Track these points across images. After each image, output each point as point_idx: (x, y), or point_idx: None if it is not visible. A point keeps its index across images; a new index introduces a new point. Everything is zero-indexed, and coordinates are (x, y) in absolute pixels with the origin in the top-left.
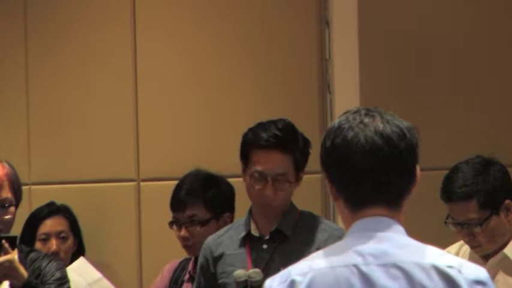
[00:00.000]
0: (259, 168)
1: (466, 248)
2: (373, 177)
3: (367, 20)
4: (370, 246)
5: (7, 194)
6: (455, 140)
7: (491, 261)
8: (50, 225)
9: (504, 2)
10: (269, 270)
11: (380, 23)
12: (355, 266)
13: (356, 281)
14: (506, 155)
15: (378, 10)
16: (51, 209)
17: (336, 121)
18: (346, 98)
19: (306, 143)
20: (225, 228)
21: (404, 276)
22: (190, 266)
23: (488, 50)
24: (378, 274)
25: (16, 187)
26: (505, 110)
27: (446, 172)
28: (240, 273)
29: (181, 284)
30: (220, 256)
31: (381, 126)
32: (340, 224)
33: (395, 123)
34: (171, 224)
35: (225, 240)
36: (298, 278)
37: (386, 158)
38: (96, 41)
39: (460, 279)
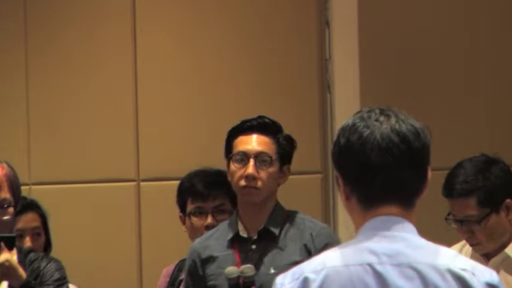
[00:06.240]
0: (241, 149)
1: (468, 248)
2: (387, 175)
3: (367, 20)
4: (384, 246)
5: (6, 194)
6: (456, 140)
7: (493, 260)
8: (24, 221)
9: (505, 2)
10: (259, 270)
11: (380, 23)
12: (370, 265)
13: (371, 280)
14: (509, 155)
15: (378, 10)
16: (24, 204)
17: (350, 120)
18: (346, 98)
19: (290, 138)
20: (211, 231)
21: (419, 277)
22: None
23: (490, 49)
24: (392, 274)
25: (15, 188)
26: (507, 110)
27: (446, 172)
28: (231, 269)
29: (179, 285)
30: (209, 258)
31: (396, 124)
32: (342, 224)
33: (410, 122)
34: (191, 214)
35: (211, 242)
36: (311, 276)
37: (401, 155)
38: (96, 40)
39: (474, 282)
